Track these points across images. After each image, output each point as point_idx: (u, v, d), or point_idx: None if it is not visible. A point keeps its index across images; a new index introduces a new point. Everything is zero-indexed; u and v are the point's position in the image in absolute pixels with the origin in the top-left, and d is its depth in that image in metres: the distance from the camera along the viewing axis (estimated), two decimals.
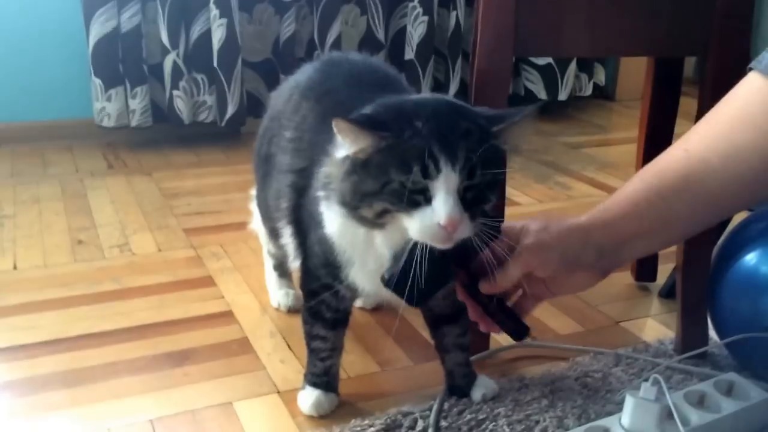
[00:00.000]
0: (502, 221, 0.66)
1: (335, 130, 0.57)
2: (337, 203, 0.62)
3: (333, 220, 0.64)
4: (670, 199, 0.62)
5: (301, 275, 0.76)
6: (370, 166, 0.57)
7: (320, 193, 0.64)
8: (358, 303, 0.97)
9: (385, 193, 0.57)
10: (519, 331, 0.67)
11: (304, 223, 0.71)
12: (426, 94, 0.67)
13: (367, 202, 0.58)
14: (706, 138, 0.62)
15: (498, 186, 0.62)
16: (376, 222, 0.60)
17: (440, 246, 0.58)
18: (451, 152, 0.56)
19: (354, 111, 0.60)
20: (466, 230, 0.58)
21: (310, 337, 0.76)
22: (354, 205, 0.60)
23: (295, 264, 0.78)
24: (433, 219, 0.56)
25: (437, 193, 0.56)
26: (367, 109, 0.60)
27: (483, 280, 0.64)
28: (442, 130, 0.57)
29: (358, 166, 0.58)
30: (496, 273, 0.63)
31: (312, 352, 0.77)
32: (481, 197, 0.59)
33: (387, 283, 0.61)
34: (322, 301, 0.73)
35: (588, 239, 0.63)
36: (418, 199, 0.56)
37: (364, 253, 0.64)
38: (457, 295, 0.67)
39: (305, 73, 0.83)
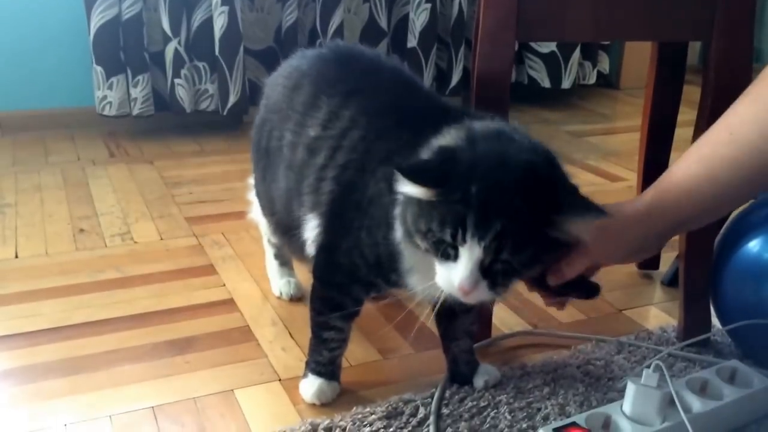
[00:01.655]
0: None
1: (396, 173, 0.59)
2: (401, 219, 0.63)
3: (397, 224, 0.64)
4: (721, 184, 0.64)
5: (324, 266, 0.74)
6: (423, 207, 0.60)
7: (400, 196, 0.63)
8: None
9: (428, 237, 0.60)
10: (591, 292, 0.69)
11: (352, 222, 0.69)
12: (494, 132, 0.62)
13: (419, 236, 0.61)
14: (747, 120, 0.64)
15: (538, 264, 0.62)
16: (422, 250, 0.62)
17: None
18: (483, 228, 0.57)
19: (401, 126, 0.65)
20: (482, 296, 0.60)
21: (323, 327, 0.75)
22: (409, 232, 0.62)
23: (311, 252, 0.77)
24: (451, 277, 0.59)
25: (461, 257, 0.59)
26: (427, 155, 0.61)
27: (550, 273, 0.66)
28: (488, 203, 0.57)
29: (414, 202, 0.60)
30: (561, 266, 0.65)
31: (323, 342, 0.76)
32: (510, 271, 0.59)
33: None
34: (348, 293, 0.73)
35: (650, 228, 0.67)
36: (449, 253, 0.59)
37: (427, 264, 0.64)
38: (527, 288, 0.70)
39: (309, 61, 0.80)
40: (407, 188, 0.59)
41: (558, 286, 0.67)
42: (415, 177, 0.58)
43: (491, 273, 0.59)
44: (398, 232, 0.64)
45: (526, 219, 0.57)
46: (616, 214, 0.66)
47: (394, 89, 0.75)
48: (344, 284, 0.73)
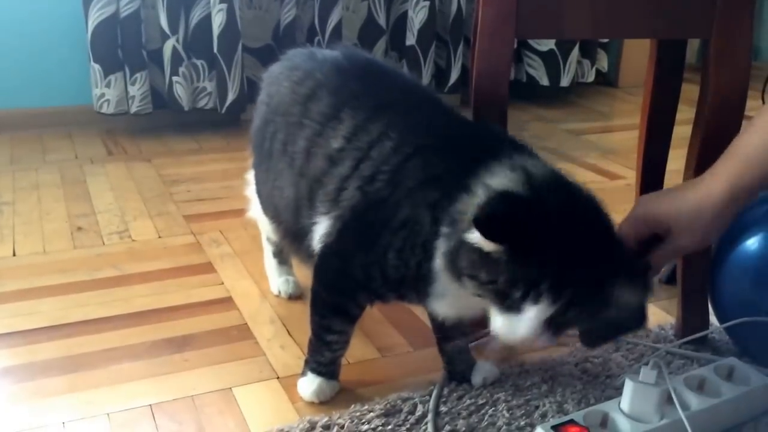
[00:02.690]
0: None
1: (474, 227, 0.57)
2: (449, 257, 0.62)
3: (441, 259, 0.63)
4: None
5: (334, 272, 0.73)
6: (487, 259, 0.58)
7: (445, 229, 0.63)
8: None
9: (489, 286, 0.59)
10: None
11: (376, 239, 0.67)
12: (551, 179, 0.62)
13: (473, 282, 0.60)
14: None
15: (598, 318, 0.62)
16: (468, 289, 0.62)
17: None
18: (556, 293, 0.57)
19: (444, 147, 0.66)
20: (544, 344, 0.61)
21: (325, 330, 0.75)
22: (460, 274, 0.61)
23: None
24: (513, 329, 0.60)
25: (527, 312, 0.58)
26: (486, 198, 0.60)
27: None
28: (563, 270, 0.57)
29: (476, 249, 0.59)
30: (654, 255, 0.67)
31: (326, 344, 0.76)
32: (571, 322, 0.60)
33: None
34: (354, 299, 0.73)
35: (735, 207, 0.67)
36: (513, 305, 0.59)
37: (458, 291, 0.64)
38: None
39: (323, 69, 0.77)
40: (476, 238, 0.58)
41: None
42: (492, 233, 0.56)
43: (555, 325, 0.60)
44: (439, 262, 0.63)
45: (594, 285, 0.59)
46: (701, 202, 0.66)
47: (421, 106, 0.74)
48: (352, 291, 0.72)
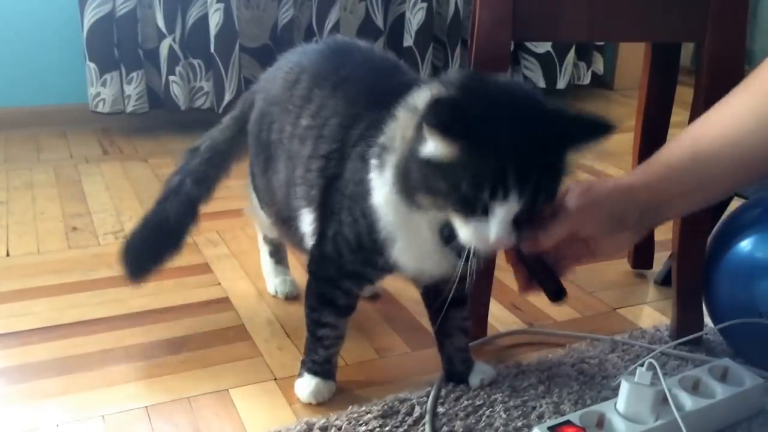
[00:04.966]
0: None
1: (425, 129, 0.56)
2: (392, 177, 0.61)
3: (380, 189, 0.63)
4: (706, 161, 0.64)
5: (315, 261, 0.74)
6: (444, 167, 0.56)
7: (373, 161, 0.63)
8: None
9: (450, 196, 0.57)
10: (558, 292, 0.67)
11: (334, 206, 0.70)
12: (473, 78, 0.61)
13: (430, 195, 0.59)
14: (740, 104, 0.63)
15: (551, 201, 0.61)
16: (424, 208, 0.60)
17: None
18: (522, 184, 0.55)
19: (384, 99, 0.62)
20: (510, 244, 0.59)
21: (317, 324, 0.75)
22: (414, 191, 0.60)
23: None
24: (484, 233, 0.58)
25: (496, 213, 0.56)
26: (453, 94, 0.57)
27: (525, 241, 0.63)
28: (521, 151, 0.55)
29: (433, 162, 0.57)
30: (538, 233, 0.63)
31: (318, 340, 0.76)
32: (533, 216, 0.59)
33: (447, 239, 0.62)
34: (338, 287, 0.73)
35: (632, 198, 0.65)
36: (478, 210, 0.57)
37: (407, 228, 0.63)
38: (507, 260, 0.69)
39: (309, 57, 0.80)
40: (429, 147, 0.55)
41: (534, 263, 0.66)
42: (447, 130, 0.53)
43: (518, 222, 0.58)
44: (378, 194, 0.63)
45: (552, 163, 0.57)
46: (600, 184, 0.65)
47: (374, 76, 0.74)
48: (334, 278, 0.73)
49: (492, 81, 0.61)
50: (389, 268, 0.69)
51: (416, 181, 0.59)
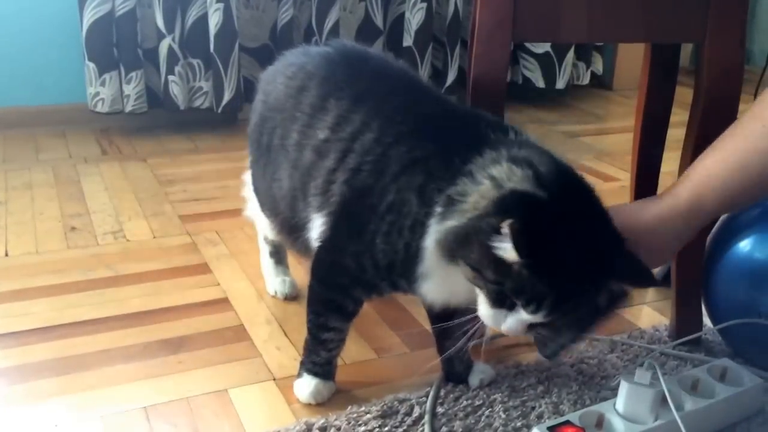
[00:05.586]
0: None
1: (505, 228, 0.57)
2: (449, 234, 0.61)
3: (434, 236, 0.63)
4: (756, 178, 0.66)
5: (326, 267, 0.73)
6: (502, 262, 0.58)
7: (438, 209, 0.63)
8: None
9: (489, 285, 0.60)
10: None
11: (362, 224, 0.68)
12: (561, 178, 0.62)
13: (474, 271, 0.60)
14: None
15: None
16: (460, 270, 0.62)
17: None
18: (555, 307, 0.58)
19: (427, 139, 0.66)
20: (519, 335, 0.62)
21: (321, 328, 0.75)
22: (459, 259, 0.61)
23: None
24: (501, 321, 0.61)
25: (520, 316, 0.60)
26: (535, 214, 0.58)
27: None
28: (569, 281, 0.58)
29: (495, 252, 0.58)
30: None
31: (321, 343, 0.75)
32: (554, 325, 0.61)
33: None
34: (349, 295, 0.72)
35: (693, 225, 0.69)
36: (506, 306, 0.60)
37: (446, 270, 0.64)
38: None
39: (315, 62, 0.78)
40: (503, 247, 0.57)
41: None
42: (524, 248, 0.56)
43: (536, 325, 0.61)
44: (430, 240, 0.63)
45: (588, 298, 0.60)
46: (659, 222, 0.67)
47: (404, 92, 0.74)
48: (346, 286, 0.72)
49: (578, 188, 0.63)
50: (410, 292, 0.70)
51: (467, 252, 0.60)
